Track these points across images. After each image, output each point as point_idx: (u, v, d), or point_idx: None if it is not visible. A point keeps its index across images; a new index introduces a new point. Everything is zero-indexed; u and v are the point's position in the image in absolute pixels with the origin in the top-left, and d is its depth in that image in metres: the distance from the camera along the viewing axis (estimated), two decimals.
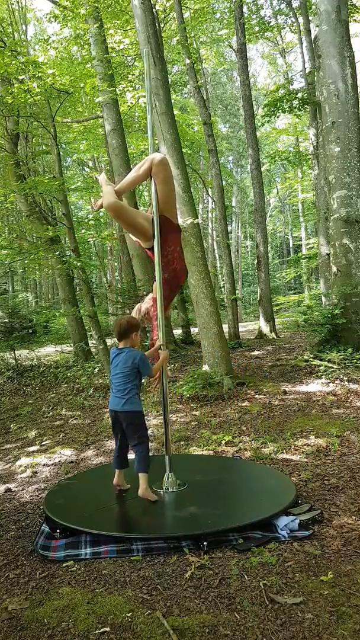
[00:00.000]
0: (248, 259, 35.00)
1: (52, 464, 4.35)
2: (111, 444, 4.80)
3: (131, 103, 11.48)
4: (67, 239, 10.32)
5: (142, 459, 3.06)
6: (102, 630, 1.94)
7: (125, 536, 2.64)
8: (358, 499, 3.03)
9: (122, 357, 3.17)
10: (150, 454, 4.41)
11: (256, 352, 10.18)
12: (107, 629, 1.94)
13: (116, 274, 23.38)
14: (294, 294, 24.18)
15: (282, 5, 16.00)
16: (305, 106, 11.86)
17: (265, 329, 13.03)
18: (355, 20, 12.20)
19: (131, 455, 3.29)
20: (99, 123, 12.94)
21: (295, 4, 14.76)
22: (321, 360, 6.84)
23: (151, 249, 3.37)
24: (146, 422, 5.57)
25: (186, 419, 5.45)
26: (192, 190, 8.49)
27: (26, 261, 11.15)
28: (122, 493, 3.21)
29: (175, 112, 11.68)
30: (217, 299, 11.00)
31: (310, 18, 12.73)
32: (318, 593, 2.09)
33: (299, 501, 2.99)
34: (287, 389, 6.31)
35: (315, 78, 8.28)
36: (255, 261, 14.12)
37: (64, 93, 10.19)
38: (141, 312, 3.53)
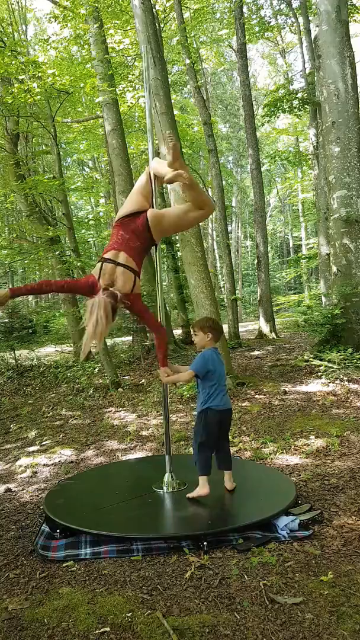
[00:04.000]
0: (248, 259, 34.98)
1: (52, 464, 4.35)
2: (111, 444, 4.81)
3: (131, 103, 11.48)
4: (67, 239, 10.33)
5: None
6: (102, 630, 1.94)
7: (125, 536, 2.64)
8: (358, 499, 3.03)
9: (220, 357, 3.11)
10: (150, 453, 4.44)
11: (256, 352, 10.18)
12: (107, 629, 1.94)
13: None
14: (294, 294, 24.16)
15: (282, 6, 15.98)
16: (305, 106, 11.84)
17: (265, 329, 13.03)
18: (355, 20, 12.20)
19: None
20: (99, 123, 12.95)
21: (295, 4, 14.74)
22: (321, 360, 6.84)
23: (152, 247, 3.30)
24: (146, 422, 5.60)
25: (186, 419, 5.45)
26: None
27: (26, 261, 11.15)
28: (122, 493, 3.20)
29: (175, 112, 11.69)
30: (217, 299, 11.00)
31: (310, 18, 12.72)
32: (318, 593, 2.09)
33: (299, 501, 2.99)
34: (287, 389, 6.31)
35: (315, 78, 8.28)
36: (255, 261, 14.13)
37: (64, 93, 10.20)
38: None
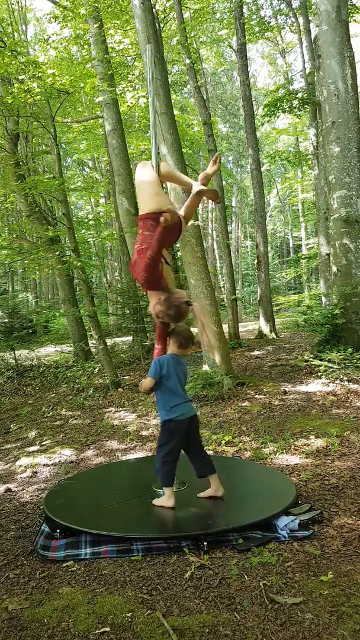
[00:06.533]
0: (248, 259, 34.98)
1: (52, 464, 4.35)
2: (111, 444, 4.81)
3: (131, 103, 11.47)
4: (67, 239, 10.33)
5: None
6: (102, 630, 1.94)
7: (125, 536, 2.64)
8: (358, 499, 3.03)
9: (184, 365, 3.05)
10: (150, 454, 4.43)
11: (256, 352, 10.18)
12: (107, 629, 1.94)
13: (116, 274, 23.39)
14: (294, 294, 24.17)
15: (282, 6, 15.99)
16: (305, 106, 11.85)
17: (265, 329, 13.02)
18: (355, 20, 12.20)
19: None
20: (99, 123, 12.95)
21: (295, 4, 14.75)
22: (321, 360, 6.84)
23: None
24: (146, 422, 5.60)
25: None
26: None
27: (26, 261, 11.15)
28: (122, 493, 3.20)
29: (175, 112, 11.68)
30: (217, 299, 11.00)
31: (310, 18, 12.72)
32: (318, 593, 2.09)
33: (299, 501, 2.99)
34: (287, 389, 6.31)
35: (315, 78, 8.27)
36: (255, 261, 14.13)
37: (64, 93, 10.19)
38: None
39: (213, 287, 7.28)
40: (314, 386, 6.28)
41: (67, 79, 9.61)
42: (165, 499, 2.93)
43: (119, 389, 7.22)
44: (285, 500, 2.84)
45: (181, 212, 3.37)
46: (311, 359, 7.11)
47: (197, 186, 3.16)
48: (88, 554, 2.57)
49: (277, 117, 13.05)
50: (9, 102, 8.43)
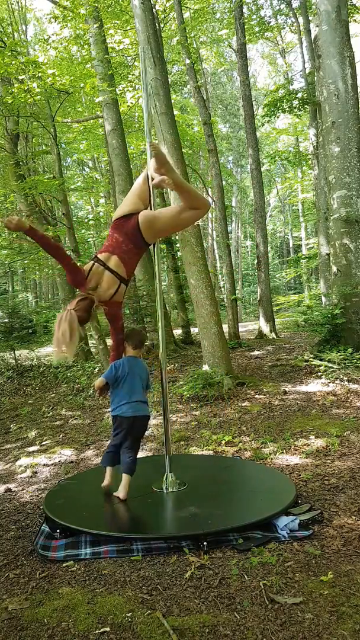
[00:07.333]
0: (248, 259, 34.98)
1: (52, 464, 4.35)
2: None
3: (131, 103, 11.48)
4: (67, 239, 10.34)
5: (134, 461, 3.14)
6: (102, 630, 1.94)
7: (125, 536, 2.64)
8: (358, 499, 3.03)
9: (142, 366, 3.25)
10: (150, 453, 4.44)
11: (256, 352, 10.18)
12: (107, 629, 1.94)
13: None
14: (294, 294, 24.16)
15: (282, 6, 15.99)
16: (305, 106, 11.85)
17: (265, 329, 13.02)
18: (355, 20, 12.20)
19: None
20: (99, 123, 12.95)
21: (295, 4, 14.75)
22: (321, 360, 6.84)
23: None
24: None
25: (186, 419, 5.46)
26: None
27: (26, 261, 11.16)
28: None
29: (175, 112, 11.68)
30: (217, 299, 11.00)
31: (310, 18, 12.72)
32: (318, 593, 2.09)
33: (299, 501, 2.99)
34: (287, 389, 6.31)
35: (315, 78, 8.28)
36: (255, 261, 14.12)
37: (64, 93, 10.21)
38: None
39: (213, 287, 7.28)
40: (314, 386, 6.28)
41: (67, 79, 9.62)
42: (107, 478, 3.20)
43: None
44: (285, 500, 2.84)
45: (176, 209, 3.29)
46: (311, 359, 7.11)
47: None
48: (88, 554, 2.57)
49: (277, 117, 13.05)
50: (9, 102, 8.44)
